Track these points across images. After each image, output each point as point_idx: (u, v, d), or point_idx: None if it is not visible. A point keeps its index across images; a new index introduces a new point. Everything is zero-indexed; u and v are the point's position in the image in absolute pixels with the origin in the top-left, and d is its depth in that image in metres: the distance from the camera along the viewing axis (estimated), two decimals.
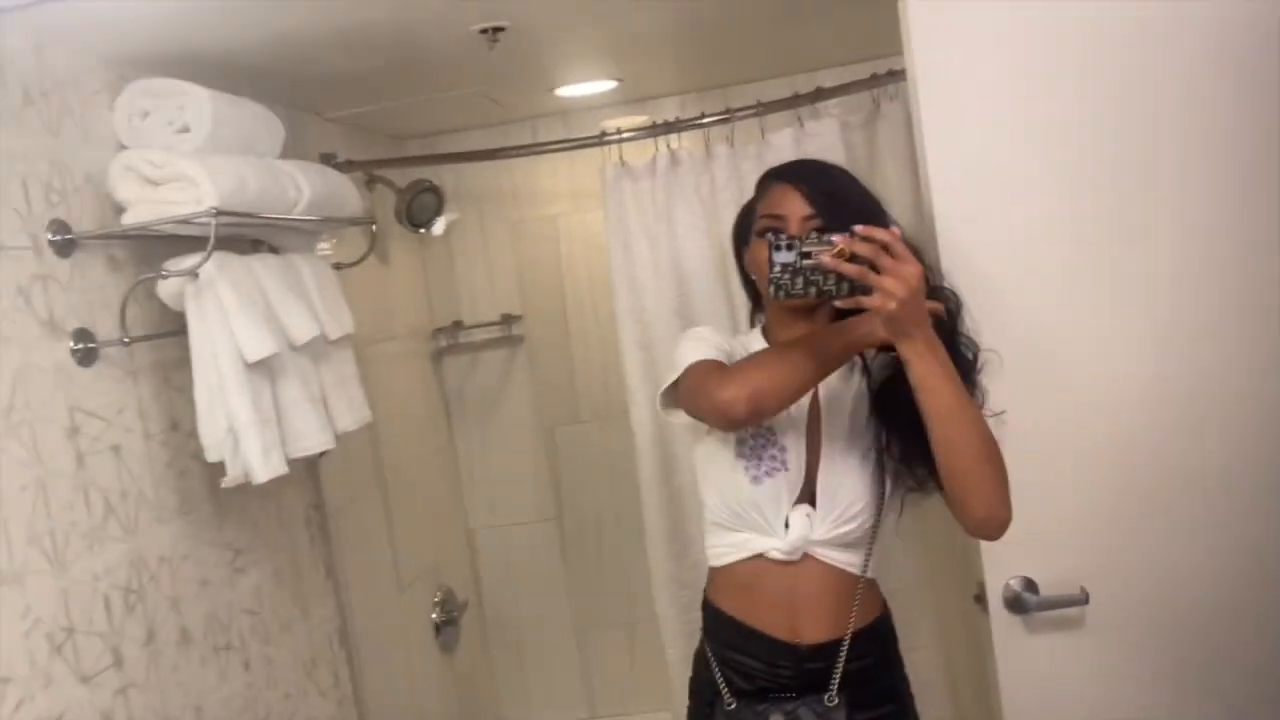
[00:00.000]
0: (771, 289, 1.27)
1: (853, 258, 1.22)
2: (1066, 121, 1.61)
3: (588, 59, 2.28)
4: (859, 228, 1.22)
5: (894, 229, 1.25)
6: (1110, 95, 1.60)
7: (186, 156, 1.55)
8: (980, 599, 1.72)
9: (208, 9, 1.50)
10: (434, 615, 2.67)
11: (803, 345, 1.41)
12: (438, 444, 2.93)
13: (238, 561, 1.82)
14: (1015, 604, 1.68)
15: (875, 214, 1.43)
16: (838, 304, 1.29)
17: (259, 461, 1.58)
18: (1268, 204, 1.60)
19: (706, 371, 1.43)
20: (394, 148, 2.80)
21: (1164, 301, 1.64)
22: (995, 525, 1.39)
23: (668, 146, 2.15)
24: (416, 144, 2.87)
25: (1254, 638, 1.68)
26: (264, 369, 1.65)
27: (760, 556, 1.49)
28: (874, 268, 1.21)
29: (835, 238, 1.23)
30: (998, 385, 1.61)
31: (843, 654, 1.48)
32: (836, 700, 1.48)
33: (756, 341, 1.58)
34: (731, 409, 1.34)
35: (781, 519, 1.48)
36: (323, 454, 1.90)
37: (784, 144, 2.07)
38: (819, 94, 2.09)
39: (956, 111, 1.61)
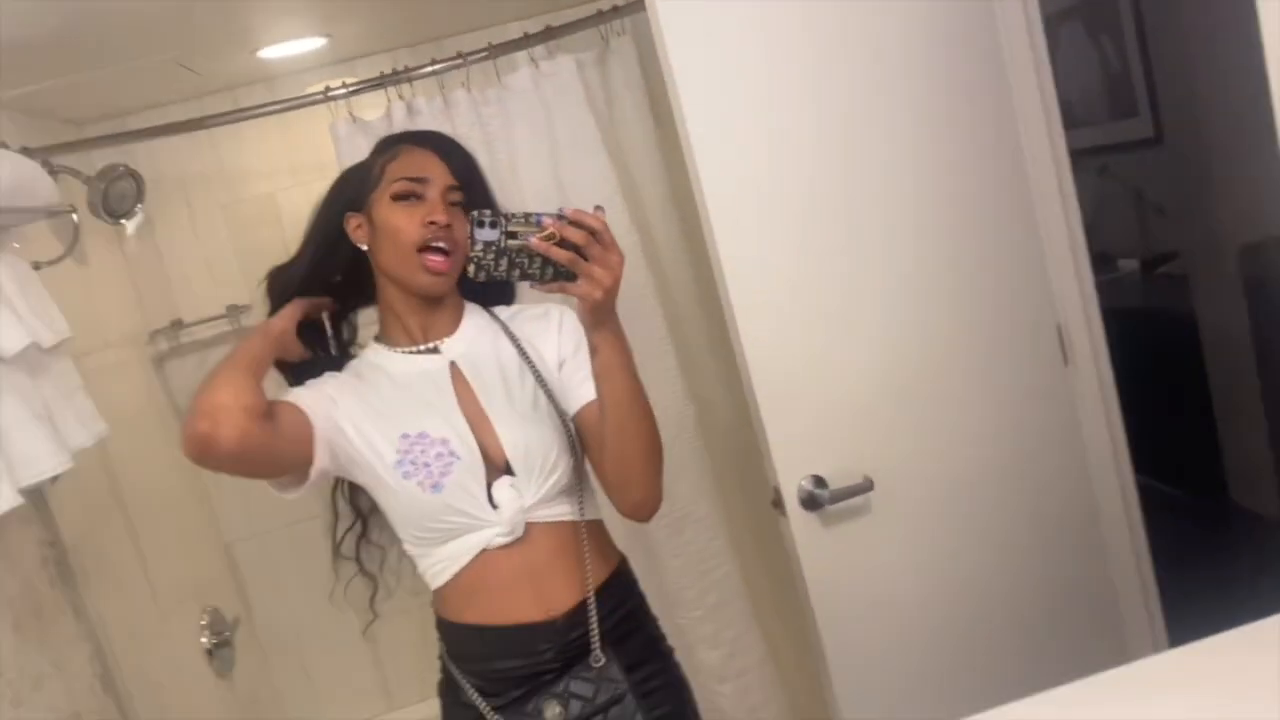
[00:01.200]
0: (471, 268, 1.20)
1: (561, 242, 1.18)
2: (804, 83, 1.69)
3: (292, 13, 2.11)
4: (569, 210, 1.19)
5: (600, 213, 1.22)
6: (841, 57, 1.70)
7: None
8: (776, 503, 1.79)
9: None
10: (203, 639, 2.44)
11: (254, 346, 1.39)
12: (175, 457, 2.63)
13: None
14: (810, 501, 1.76)
15: (494, 201, 1.44)
16: (538, 288, 1.23)
17: None
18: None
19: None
20: (74, 132, 2.47)
21: (906, 199, 1.78)
22: (651, 507, 1.42)
23: (400, 97, 2.04)
24: (100, 127, 2.55)
25: (1019, 505, 1.88)
26: None
27: (484, 551, 1.37)
28: (580, 253, 1.19)
29: (545, 219, 1.19)
30: (773, 307, 1.70)
31: (592, 610, 1.39)
32: (603, 658, 1.39)
33: (376, 362, 1.46)
34: (202, 443, 1.29)
35: (484, 506, 1.36)
36: (55, 480, 1.66)
37: (524, 86, 2.03)
38: (549, 33, 2.05)
39: (698, 44, 1.64)
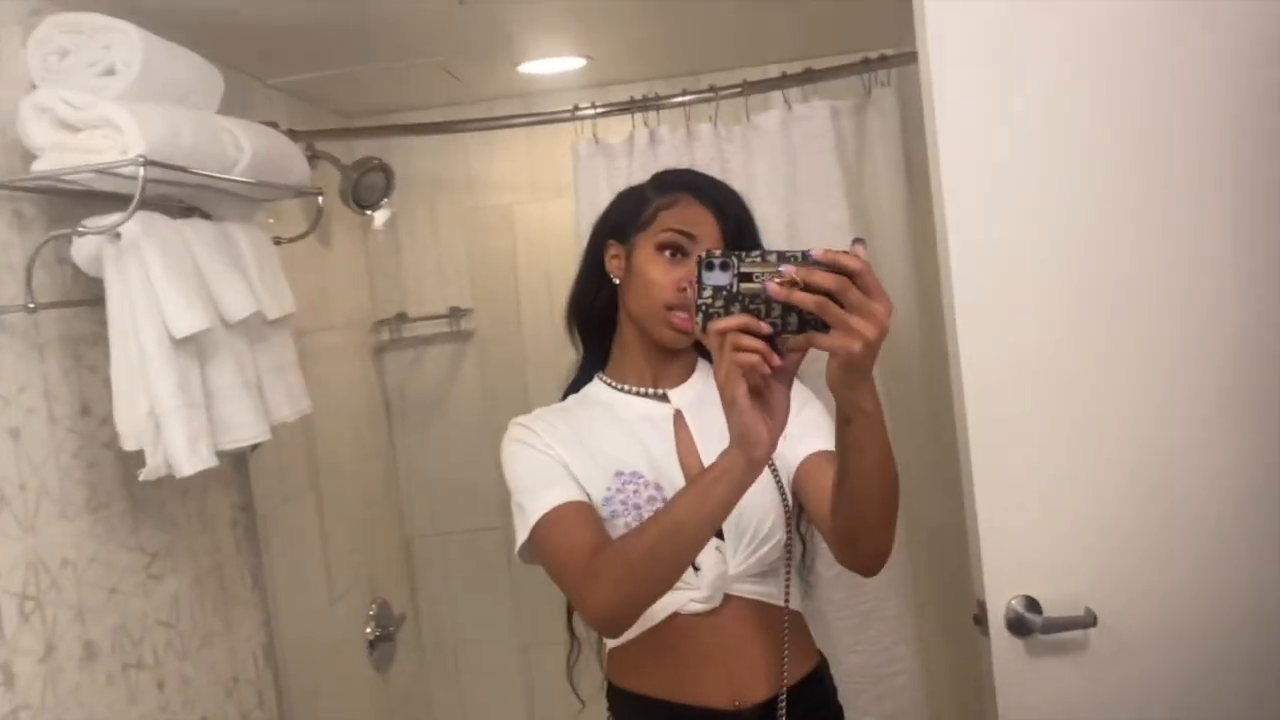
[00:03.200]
0: (699, 318, 1.01)
1: (806, 287, 0.97)
2: (1092, 120, 1.51)
3: (557, 31, 2.11)
4: (817, 252, 0.98)
5: (861, 252, 0.99)
6: (1139, 95, 1.50)
7: (112, 100, 1.35)
8: (980, 620, 1.58)
9: None
10: (368, 630, 2.46)
11: (672, 524, 1.13)
12: (376, 445, 2.73)
13: (153, 567, 1.61)
14: (1018, 625, 1.55)
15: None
16: (788, 347, 1.03)
17: (184, 452, 1.37)
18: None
19: (567, 550, 1.23)
20: (339, 122, 2.60)
21: (1179, 314, 1.54)
22: (882, 559, 1.28)
23: (645, 124, 2.00)
24: (363, 120, 2.67)
25: (1265, 661, 1.59)
26: (192, 348, 1.44)
27: (675, 616, 1.28)
28: (835, 300, 0.97)
29: (784, 265, 0.98)
30: (1011, 395, 1.51)
31: (783, 708, 1.27)
32: None
33: (596, 396, 1.40)
34: (599, 626, 1.25)
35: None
36: (255, 448, 1.70)
37: (771, 126, 1.94)
38: (808, 75, 1.96)
39: (971, 101, 1.50)
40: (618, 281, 1.41)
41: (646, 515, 1.26)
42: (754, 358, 0.99)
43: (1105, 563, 1.57)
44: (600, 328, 1.47)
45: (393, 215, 2.71)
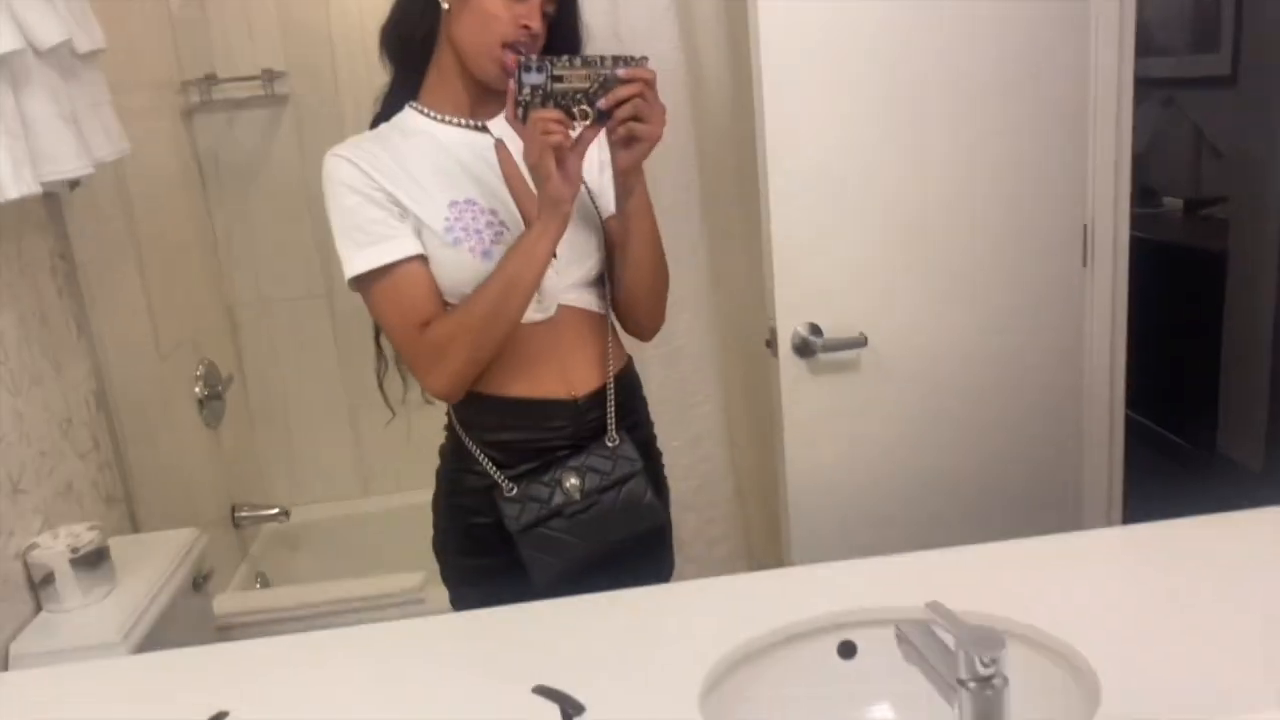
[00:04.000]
0: (520, 111, 1.25)
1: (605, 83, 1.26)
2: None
3: None
4: (623, 71, 1.25)
5: (646, 65, 1.27)
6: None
7: None
8: (770, 344, 1.82)
9: None
10: (197, 389, 2.51)
11: (508, 282, 1.31)
12: (191, 209, 2.68)
13: None
14: (803, 347, 1.79)
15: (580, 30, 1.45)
16: (614, 133, 1.29)
17: (8, 175, 1.37)
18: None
19: (400, 316, 1.35)
20: None
21: (957, 61, 1.75)
22: (652, 330, 1.54)
23: None
24: None
25: (1008, 393, 1.90)
26: (4, 74, 1.41)
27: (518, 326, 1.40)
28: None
29: (589, 69, 1.25)
30: (805, 159, 1.69)
31: (612, 396, 1.45)
32: (618, 439, 1.44)
33: (412, 125, 1.43)
34: (439, 395, 1.38)
35: None
36: (74, 186, 1.68)
37: None
38: None
39: None
40: (446, 7, 1.38)
41: (488, 239, 1.35)
42: (559, 138, 1.24)
43: (878, 293, 1.81)
44: (418, 54, 1.45)
45: None
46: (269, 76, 2.70)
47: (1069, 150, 1.86)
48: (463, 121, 1.43)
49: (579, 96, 1.24)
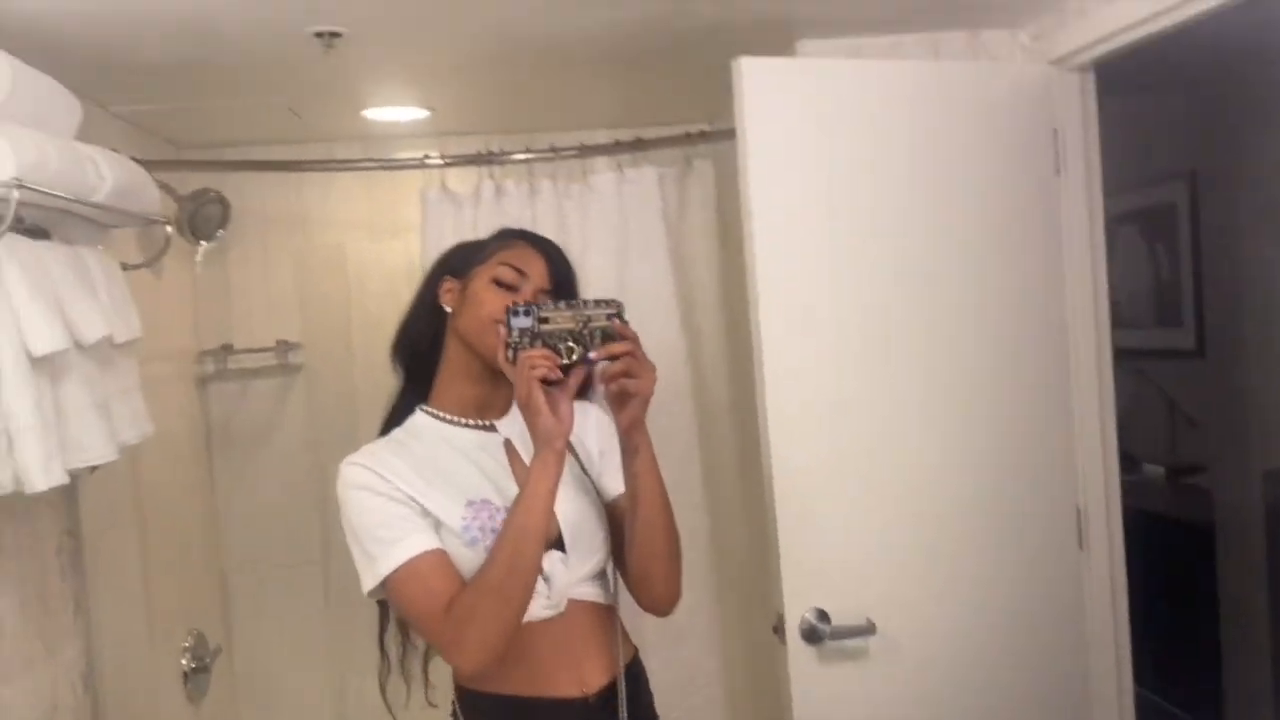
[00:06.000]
0: (509, 353, 1.32)
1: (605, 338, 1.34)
2: (880, 201, 1.80)
3: (407, 82, 2.24)
4: (610, 319, 1.33)
5: (621, 319, 1.35)
6: (925, 181, 1.81)
7: None
8: (778, 630, 1.81)
9: None
10: (184, 661, 2.44)
11: (518, 533, 1.31)
12: (196, 476, 2.71)
13: None
14: (811, 634, 1.78)
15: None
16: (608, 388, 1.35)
17: (39, 469, 1.40)
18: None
19: (426, 602, 1.33)
20: (173, 152, 2.61)
21: (950, 372, 1.85)
22: (671, 601, 1.50)
23: (490, 177, 2.15)
24: (197, 153, 2.68)
25: (1021, 671, 1.88)
26: (47, 367, 1.47)
27: (528, 623, 1.38)
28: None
29: (577, 312, 1.34)
30: (808, 436, 1.76)
31: (623, 690, 1.43)
32: None
33: (424, 428, 1.48)
34: (472, 667, 1.35)
35: None
36: (94, 469, 1.71)
37: (606, 188, 2.14)
38: (639, 144, 2.18)
39: (778, 170, 1.75)
40: (449, 310, 1.49)
41: (499, 522, 1.37)
42: (544, 370, 1.29)
43: (883, 580, 1.83)
44: (426, 360, 1.53)
45: (220, 247, 2.72)
46: (284, 347, 2.81)
47: (1055, 434, 1.94)
48: (471, 422, 1.48)
49: (565, 335, 1.32)
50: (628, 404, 1.35)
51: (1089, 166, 1.97)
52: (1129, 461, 3.78)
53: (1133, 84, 2.64)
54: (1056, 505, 1.94)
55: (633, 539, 1.44)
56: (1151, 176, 3.43)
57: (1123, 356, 2.11)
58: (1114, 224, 2.39)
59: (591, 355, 1.32)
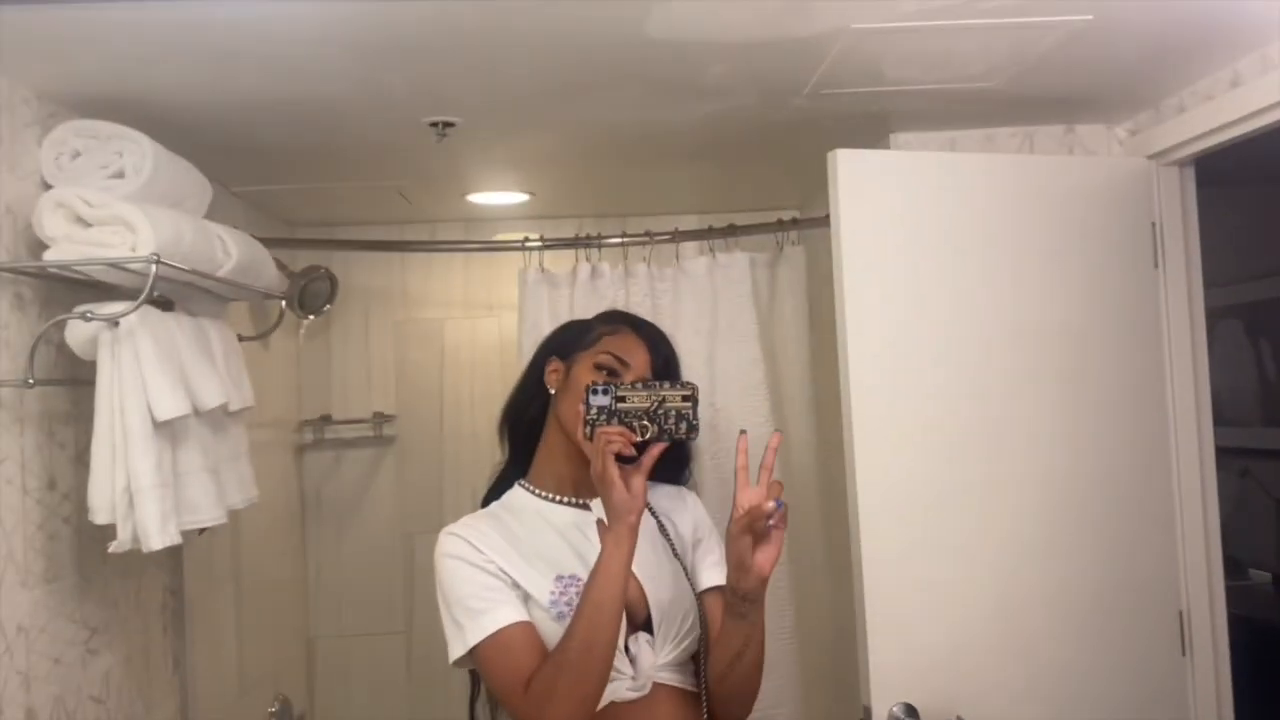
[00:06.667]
0: (587, 429, 1.34)
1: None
2: (968, 289, 1.81)
3: (510, 168, 2.34)
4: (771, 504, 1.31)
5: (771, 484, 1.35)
6: (1007, 266, 1.81)
7: (125, 200, 1.49)
8: None
9: (176, 67, 1.48)
10: None
11: (594, 607, 1.31)
12: (290, 542, 2.78)
13: (92, 642, 1.66)
14: None
15: None
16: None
17: (155, 528, 1.47)
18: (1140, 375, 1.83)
19: (513, 674, 1.34)
20: (286, 232, 2.75)
21: (1047, 457, 1.82)
22: (746, 714, 1.49)
23: (586, 259, 2.22)
24: (310, 231, 2.82)
25: None
26: (168, 432, 1.55)
27: (610, 704, 1.38)
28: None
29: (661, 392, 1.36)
30: (897, 526, 1.74)
31: None
32: None
33: (522, 504, 1.52)
34: None
35: (621, 657, 1.39)
36: (201, 531, 1.78)
37: (699, 271, 2.18)
38: (731, 229, 2.22)
39: (872, 259, 1.77)
40: (553, 392, 1.53)
41: None
42: (618, 445, 1.31)
43: (974, 677, 1.78)
44: (528, 436, 1.58)
45: (324, 320, 2.84)
46: (379, 419, 2.90)
47: (1156, 535, 1.88)
48: (567, 499, 1.51)
49: (640, 414, 1.35)
50: (748, 573, 1.32)
51: (1189, 260, 1.94)
52: (1235, 566, 3.64)
53: (1233, 177, 2.61)
54: (1158, 608, 1.87)
55: (724, 674, 1.42)
56: (1254, 271, 3.35)
57: (1226, 456, 2.05)
58: (1215, 318, 2.34)
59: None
